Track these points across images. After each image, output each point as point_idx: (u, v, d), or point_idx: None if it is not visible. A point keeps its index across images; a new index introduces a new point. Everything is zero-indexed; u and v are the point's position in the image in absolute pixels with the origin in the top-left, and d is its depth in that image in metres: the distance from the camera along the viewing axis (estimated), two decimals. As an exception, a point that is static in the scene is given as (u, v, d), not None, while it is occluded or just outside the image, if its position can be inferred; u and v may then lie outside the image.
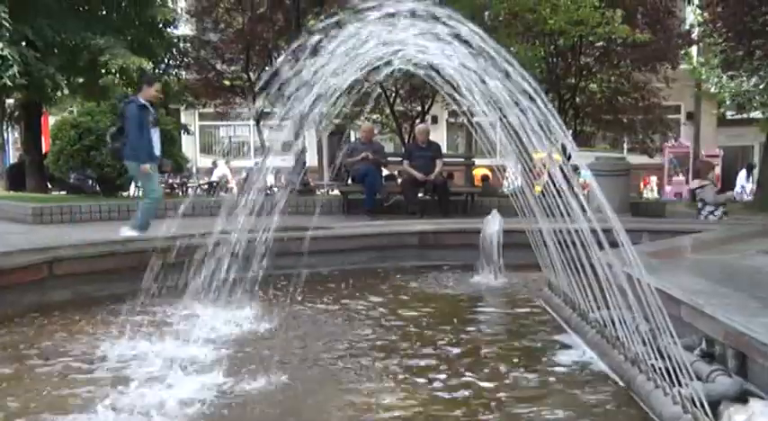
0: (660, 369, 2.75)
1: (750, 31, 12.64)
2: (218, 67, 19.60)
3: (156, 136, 7.75)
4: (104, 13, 14.71)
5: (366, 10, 3.75)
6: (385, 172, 11.98)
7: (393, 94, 16.61)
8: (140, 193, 9.38)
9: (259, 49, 18.72)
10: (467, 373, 3.47)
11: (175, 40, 17.52)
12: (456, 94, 4.17)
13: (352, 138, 17.81)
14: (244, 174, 19.64)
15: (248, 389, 3.19)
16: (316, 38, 3.94)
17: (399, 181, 11.45)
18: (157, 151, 7.75)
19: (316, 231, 6.92)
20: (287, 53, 4.04)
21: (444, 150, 14.90)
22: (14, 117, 18.52)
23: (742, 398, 2.58)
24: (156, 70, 16.34)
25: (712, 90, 22.13)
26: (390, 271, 6.60)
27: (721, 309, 2.95)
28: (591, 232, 3.28)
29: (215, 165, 22.56)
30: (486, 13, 13.84)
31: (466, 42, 3.65)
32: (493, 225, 6.11)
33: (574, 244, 3.64)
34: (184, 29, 19.32)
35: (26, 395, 3.20)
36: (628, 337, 3.14)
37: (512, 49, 11.39)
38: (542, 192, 4.07)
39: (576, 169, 4.35)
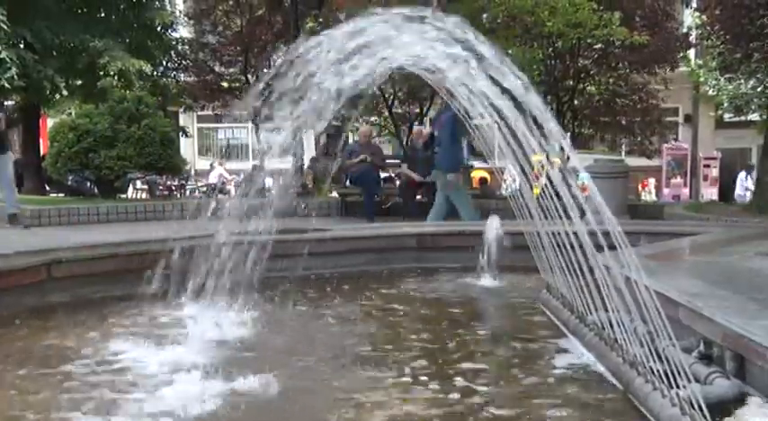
0: (658, 371, 2.75)
1: (748, 34, 12.67)
2: (217, 69, 19.64)
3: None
4: (103, 15, 14.72)
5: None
6: (383, 174, 12.00)
7: (391, 97, 16.63)
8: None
9: (257, 52, 18.76)
10: (463, 376, 3.47)
11: (174, 43, 17.57)
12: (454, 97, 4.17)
13: (350, 141, 17.81)
14: (242, 177, 19.68)
15: (245, 392, 3.18)
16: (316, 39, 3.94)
17: (397, 183, 11.46)
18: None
19: (313, 233, 6.91)
20: (286, 56, 4.03)
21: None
22: (13, 119, 18.51)
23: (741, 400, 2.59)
24: (155, 73, 16.36)
25: (710, 92, 22.15)
26: (388, 273, 6.59)
27: (720, 311, 2.95)
28: (589, 234, 3.28)
29: (213, 167, 22.58)
30: (485, 15, 13.87)
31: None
32: (491, 227, 6.12)
33: (572, 246, 3.64)
34: (183, 31, 19.34)
35: (21, 398, 3.19)
36: (626, 340, 3.14)
37: (510, 51, 11.41)
38: (540, 194, 4.08)
39: (574, 171, 4.35)
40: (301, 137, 7.92)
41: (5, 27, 12.02)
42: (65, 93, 14.29)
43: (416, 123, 16.24)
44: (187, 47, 18.89)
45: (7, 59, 12.02)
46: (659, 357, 2.75)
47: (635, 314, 3.00)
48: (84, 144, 13.67)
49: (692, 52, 19.84)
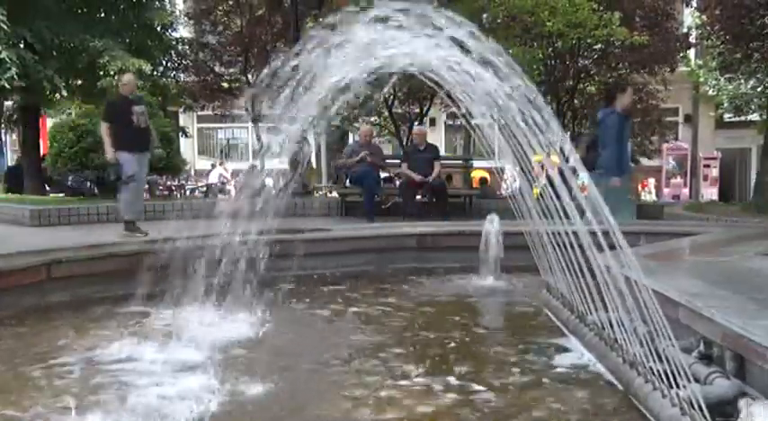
0: (658, 371, 2.75)
1: (748, 34, 12.68)
2: (217, 69, 19.62)
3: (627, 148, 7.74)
4: (103, 15, 14.71)
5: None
6: (383, 174, 11.99)
7: (391, 97, 16.62)
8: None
9: (257, 52, 18.72)
10: (463, 376, 3.47)
11: (174, 43, 17.55)
12: (455, 96, 4.17)
13: (351, 140, 17.82)
14: (241, 176, 19.68)
15: (246, 392, 3.19)
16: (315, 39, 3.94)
17: (397, 183, 11.45)
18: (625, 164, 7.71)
19: (313, 233, 6.92)
20: (286, 55, 4.03)
21: (442, 152, 14.92)
22: (13, 119, 18.53)
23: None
24: (155, 73, 16.36)
25: (710, 92, 22.17)
26: (388, 273, 6.60)
27: (719, 311, 2.95)
28: (589, 234, 3.28)
29: (213, 167, 22.59)
30: (485, 15, 13.86)
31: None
32: (491, 227, 6.11)
33: (572, 246, 3.64)
34: (183, 31, 19.33)
35: (22, 398, 3.19)
36: (626, 340, 3.14)
37: (510, 51, 11.40)
38: (540, 194, 4.07)
39: (574, 172, 4.35)
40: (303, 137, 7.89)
41: (5, 27, 12.02)
42: (65, 93, 14.27)
43: (416, 123, 16.22)
44: (187, 47, 18.87)
45: (7, 59, 12.01)
46: (659, 357, 2.75)
47: (635, 314, 3.00)
48: (84, 144, 13.65)
49: (692, 52, 19.84)
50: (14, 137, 23.48)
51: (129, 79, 8.57)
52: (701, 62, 21.29)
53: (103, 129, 8.21)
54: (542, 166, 4.06)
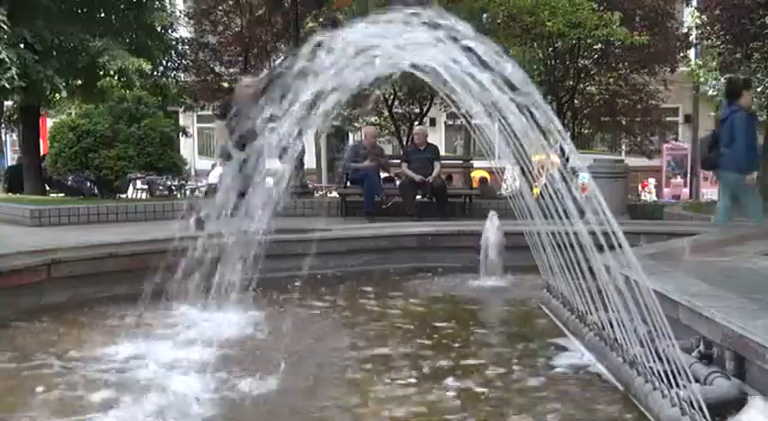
0: (658, 371, 2.75)
1: (748, 34, 12.67)
2: (217, 69, 19.63)
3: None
4: (103, 15, 14.72)
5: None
6: (383, 174, 11.99)
7: (391, 97, 16.61)
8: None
9: (257, 52, 18.73)
10: (462, 376, 3.47)
11: (174, 43, 17.56)
12: (454, 96, 4.16)
13: (351, 141, 17.80)
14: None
15: (247, 391, 3.19)
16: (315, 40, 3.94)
17: (398, 183, 11.45)
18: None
19: (313, 233, 6.91)
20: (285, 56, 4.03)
21: (443, 152, 14.91)
22: (13, 119, 18.53)
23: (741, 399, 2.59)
24: (155, 72, 16.36)
25: (710, 92, 22.15)
26: (388, 273, 6.60)
27: (719, 311, 2.95)
28: (589, 234, 3.28)
29: (213, 167, 22.56)
30: (485, 15, 13.87)
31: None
32: (492, 227, 6.11)
33: (572, 246, 3.64)
34: (183, 31, 19.35)
35: (22, 398, 3.19)
36: (626, 340, 3.14)
37: (510, 51, 11.41)
38: (540, 194, 4.07)
39: (574, 171, 4.34)
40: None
41: (5, 27, 12.02)
42: (65, 93, 14.26)
43: (416, 123, 16.21)
44: (187, 47, 18.89)
45: (7, 60, 12.01)
46: (659, 357, 2.75)
47: (635, 314, 3.00)
48: (84, 144, 13.67)
49: (692, 52, 19.83)
50: (14, 137, 23.48)
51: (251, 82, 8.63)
52: (700, 62, 21.27)
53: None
54: (542, 167, 4.06)
